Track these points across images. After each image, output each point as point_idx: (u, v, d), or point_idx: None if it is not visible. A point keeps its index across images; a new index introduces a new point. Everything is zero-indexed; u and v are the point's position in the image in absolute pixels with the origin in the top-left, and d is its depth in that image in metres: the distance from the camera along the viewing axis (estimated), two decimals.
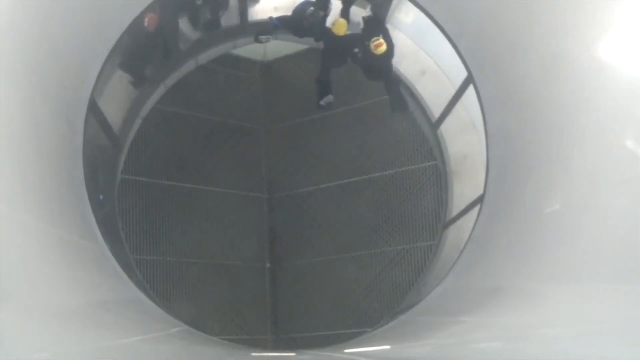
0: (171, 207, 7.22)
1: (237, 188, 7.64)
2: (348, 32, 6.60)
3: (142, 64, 6.73)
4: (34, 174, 3.37)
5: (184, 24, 7.08)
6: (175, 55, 6.98)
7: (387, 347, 4.82)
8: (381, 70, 6.70)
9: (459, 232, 6.09)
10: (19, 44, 3.27)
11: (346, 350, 5.06)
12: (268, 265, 7.58)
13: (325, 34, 6.62)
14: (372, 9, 6.86)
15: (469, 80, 5.32)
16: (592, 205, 2.67)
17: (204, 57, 7.29)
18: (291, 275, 7.52)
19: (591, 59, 2.89)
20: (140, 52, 6.45)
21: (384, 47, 6.35)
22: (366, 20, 6.80)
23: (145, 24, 5.84)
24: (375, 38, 6.39)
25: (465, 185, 6.41)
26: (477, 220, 4.91)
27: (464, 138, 6.55)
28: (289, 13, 6.62)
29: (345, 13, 6.86)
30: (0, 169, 2.73)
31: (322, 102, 7.09)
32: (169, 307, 6.32)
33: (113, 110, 6.28)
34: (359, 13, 7.01)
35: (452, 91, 6.28)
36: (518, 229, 3.65)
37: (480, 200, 4.97)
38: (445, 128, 6.75)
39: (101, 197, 6.00)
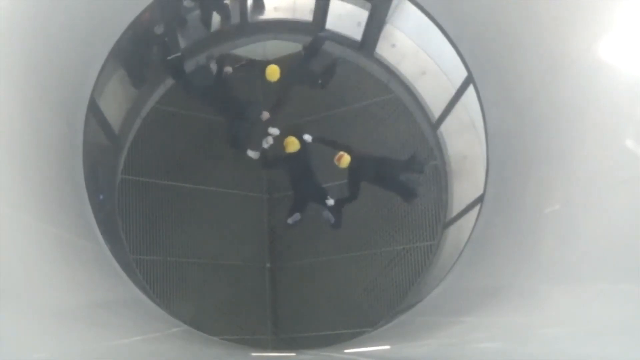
0: (171, 207, 7.21)
1: (237, 188, 7.63)
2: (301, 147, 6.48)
3: (142, 64, 6.74)
4: (34, 174, 3.37)
5: (184, 24, 7.09)
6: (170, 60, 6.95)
7: (387, 347, 4.82)
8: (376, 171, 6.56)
9: (459, 232, 6.09)
10: (19, 44, 3.27)
11: (346, 350, 5.06)
12: (268, 265, 7.58)
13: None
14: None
15: (469, 80, 5.32)
16: (592, 205, 2.66)
17: (204, 57, 7.30)
18: (291, 275, 7.51)
19: (591, 59, 2.88)
20: (140, 52, 6.46)
21: (347, 158, 6.35)
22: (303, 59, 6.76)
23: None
24: (334, 155, 6.36)
25: (465, 185, 6.42)
26: (477, 220, 4.91)
27: (464, 138, 6.57)
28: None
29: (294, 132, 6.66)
30: (1, 169, 2.73)
31: (289, 221, 7.02)
32: (169, 307, 6.32)
33: (113, 110, 6.28)
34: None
35: (452, 91, 6.28)
36: (518, 229, 3.64)
37: (480, 200, 4.97)
38: (445, 128, 6.75)
39: (101, 197, 6.01)
